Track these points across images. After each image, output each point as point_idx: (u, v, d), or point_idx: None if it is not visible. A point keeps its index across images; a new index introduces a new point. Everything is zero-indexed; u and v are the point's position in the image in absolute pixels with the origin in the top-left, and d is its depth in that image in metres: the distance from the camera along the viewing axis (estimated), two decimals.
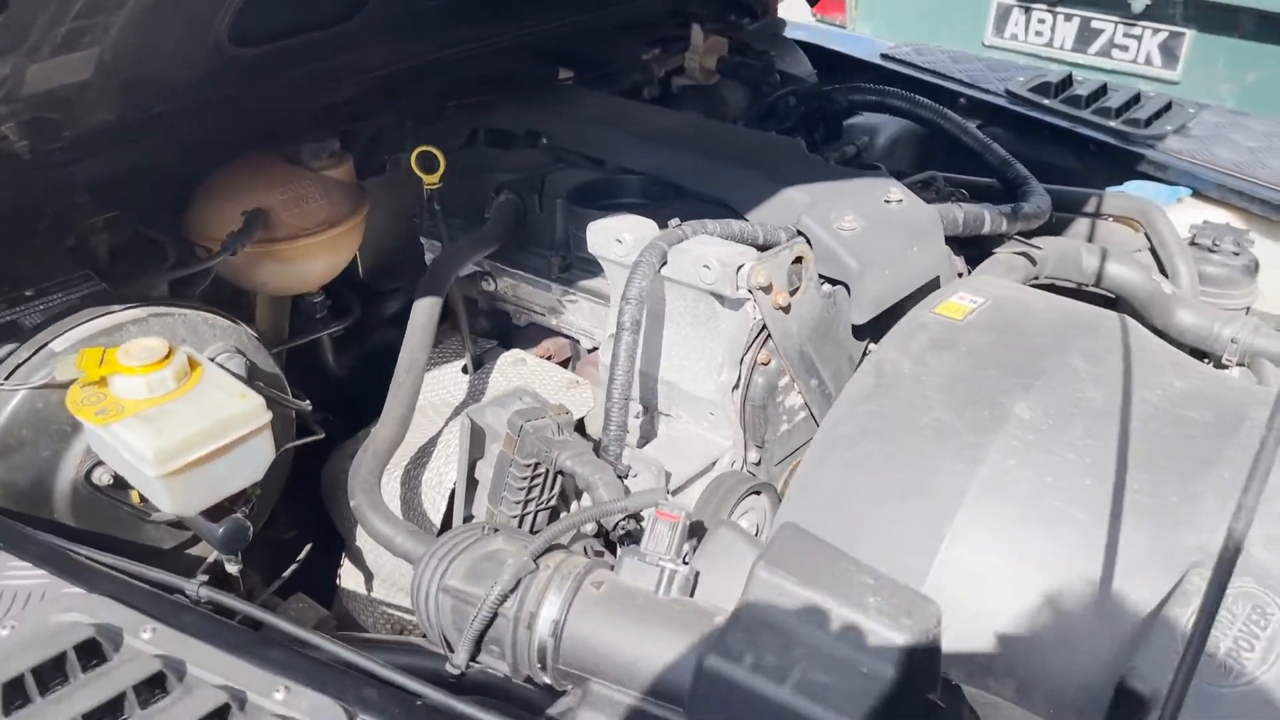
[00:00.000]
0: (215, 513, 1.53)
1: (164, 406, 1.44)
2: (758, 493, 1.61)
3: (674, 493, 1.60)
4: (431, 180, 1.97)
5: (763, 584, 1.14)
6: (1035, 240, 2.09)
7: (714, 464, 1.65)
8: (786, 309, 1.63)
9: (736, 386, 1.65)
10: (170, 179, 2.00)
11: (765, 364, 1.67)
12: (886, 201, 1.78)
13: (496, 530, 1.32)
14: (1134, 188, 2.40)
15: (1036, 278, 2.11)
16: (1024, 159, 2.75)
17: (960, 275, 2.01)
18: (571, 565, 1.23)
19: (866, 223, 1.72)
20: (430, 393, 2.09)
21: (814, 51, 3.20)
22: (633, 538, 1.50)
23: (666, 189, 1.92)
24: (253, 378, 1.71)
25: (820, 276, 1.71)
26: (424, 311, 1.80)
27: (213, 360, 1.65)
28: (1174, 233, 2.19)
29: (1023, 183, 2.20)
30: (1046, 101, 2.78)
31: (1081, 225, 2.34)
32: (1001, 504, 1.40)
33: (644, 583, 1.21)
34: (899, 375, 1.57)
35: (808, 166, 1.88)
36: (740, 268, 1.56)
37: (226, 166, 1.99)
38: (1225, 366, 1.95)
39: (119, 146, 1.88)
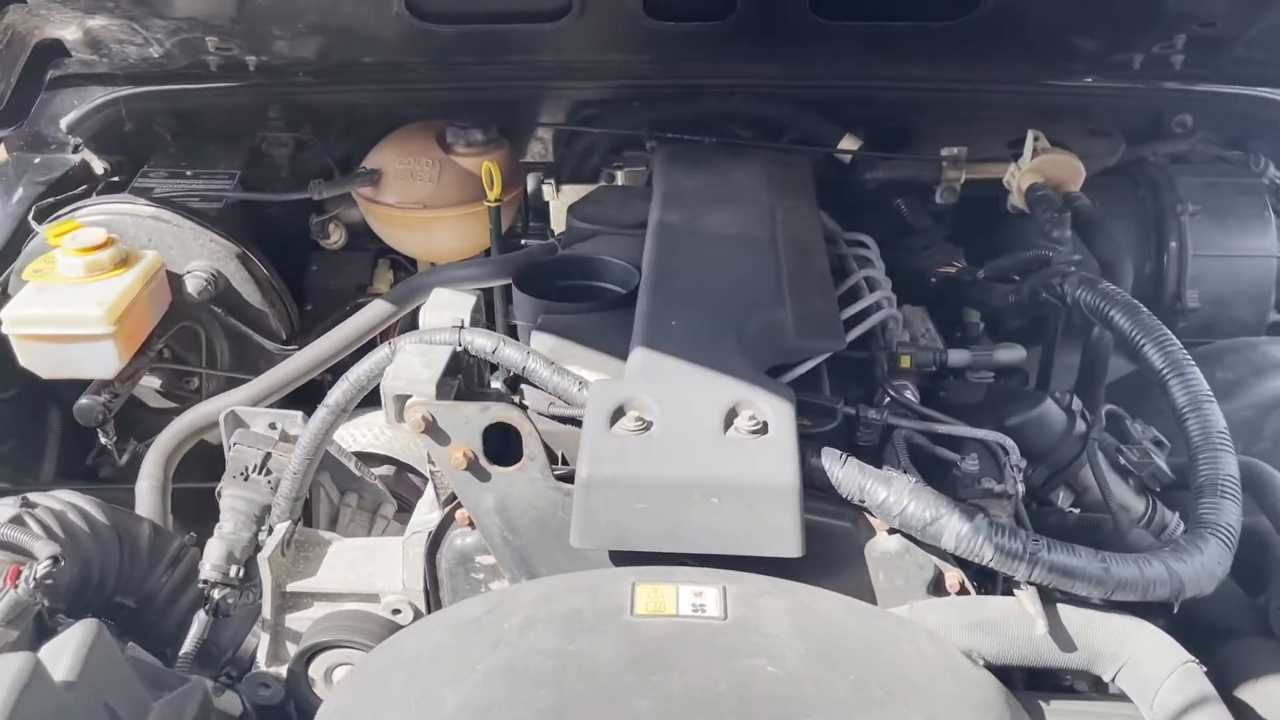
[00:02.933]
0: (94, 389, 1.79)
1: (55, 286, 1.72)
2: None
3: (317, 601, 1.41)
4: (491, 196, 1.88)
5: None
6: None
7: (374, 598, 1.39)
8: (478, 475, 1.26)
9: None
10: (368, 122, 2.22)
11: (467, 527, 1.34)
12: (734, 427, 1.22)
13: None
14: None
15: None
16: None
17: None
18: None
19: (663, 431, 1.22)
20: None
21: None
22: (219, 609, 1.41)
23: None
24: (223, 303, 1.90)
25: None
26: (367, 314, 1.77)
27: (187, 274, 1.88)
28: None
29: None
30: None
31: None
32: None
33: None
34: (496, 626, 1.16)
35: (726, 343, 1.35)
36: (405, 399, 1.26)
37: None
38: None
39: (318, 84, 2.15)
